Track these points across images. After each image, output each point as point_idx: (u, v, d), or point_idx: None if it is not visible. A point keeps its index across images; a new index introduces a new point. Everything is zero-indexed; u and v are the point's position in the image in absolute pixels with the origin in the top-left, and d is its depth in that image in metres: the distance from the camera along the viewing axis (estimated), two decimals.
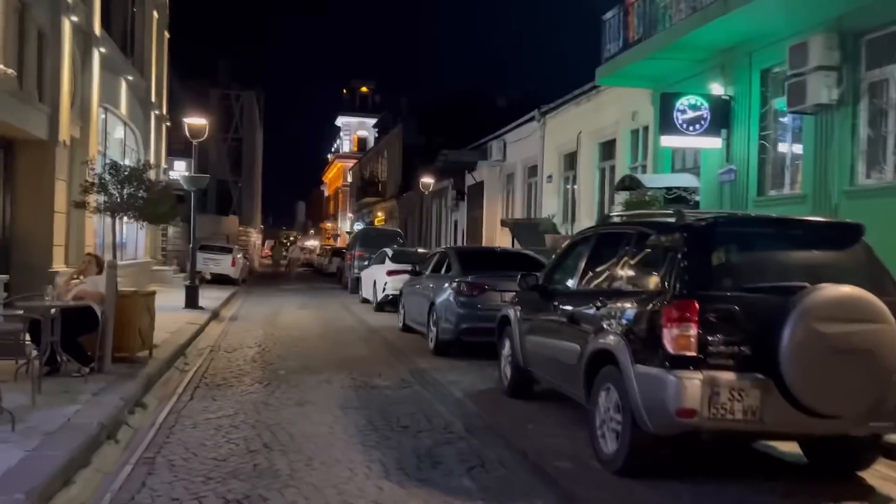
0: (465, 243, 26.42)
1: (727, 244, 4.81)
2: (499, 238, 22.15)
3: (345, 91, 72.89)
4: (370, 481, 4.56)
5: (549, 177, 19.04)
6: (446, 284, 10.13)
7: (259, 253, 54.07)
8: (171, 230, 23.53)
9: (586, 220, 16.03)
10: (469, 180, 26.62)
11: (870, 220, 5.13)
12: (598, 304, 5.27)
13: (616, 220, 6.72)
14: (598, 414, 5.05)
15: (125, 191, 10.21)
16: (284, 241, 63.89)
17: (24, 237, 12.10)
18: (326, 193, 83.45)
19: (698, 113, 10.99)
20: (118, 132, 18.18)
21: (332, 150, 78.51)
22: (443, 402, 6.96)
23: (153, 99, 20.63)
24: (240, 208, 53.22)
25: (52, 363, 6.75)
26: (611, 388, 4.88)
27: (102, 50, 14.74)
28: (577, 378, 5.37)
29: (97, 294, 7.12)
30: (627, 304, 4.92)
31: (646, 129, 13.85)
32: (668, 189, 12.09)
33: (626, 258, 5.30)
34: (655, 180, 12.53)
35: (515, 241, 18.61)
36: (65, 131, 12.68)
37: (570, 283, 6.19)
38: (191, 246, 15.87)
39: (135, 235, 18.91)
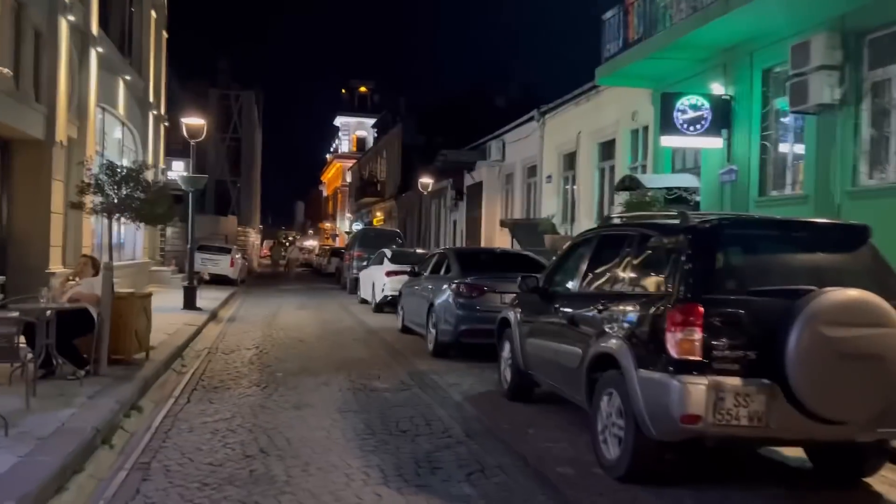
0: (463, 244, 26.36)
1: (732, 246, 4.74)
2: (498, 238, 22.08)
3: (343, 91, 72.83)
4: (368, 487, 4.48)
5: (549, 177, 18.98)
6: (445, 286, 10.06)
7: (258, 253, 53.98)
8: (169, 230, 23.46)
9: (586, 220, 15.97)
10: (468, 180, 26.55)
11: (872, 221, 5.05)
12: (600, 306, 5.20)
13: (617, 221, 6.63)
14: (599, 419, 4.97)
15: (122, 192, 10.12)
16: (283, 241, 63.75)
17: (21, 238, 12.03)
18: (325, 193, 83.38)
19: (699, 113, 10.92)
20: (116, 132, 18.11)
21: (331, 150, 78.41)
22: (442, 405, 6.88)
23: (151, 99, 20.55)
24: (238, 208, 53.16)
25: (47, 366, 6.68)
26: (613, 392, 4.80)
27: (100, 49, 14.67)
28: (579, 382, 5.30)
29: (93, 296, 7.05)
30: (630, 308, 4.85)
31: (646, 129, 13.78)
32: (669, 189, 12.02)
33: (628, 260, 5.22)
34: (655, 180, 12.46)
35: (514, 242, 18.55)
36: (62, 131, 12.60)
37: (572, 285, 6.11)
38: (189, 246, 15.79)
39: (133, 236, 18.84)
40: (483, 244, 23.36)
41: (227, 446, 5.30)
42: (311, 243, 67.18)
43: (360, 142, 67.89)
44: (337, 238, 61.96)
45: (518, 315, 7.01)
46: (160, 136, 21.93)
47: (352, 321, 14.53)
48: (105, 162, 12.21)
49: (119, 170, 10.54)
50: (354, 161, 60.63)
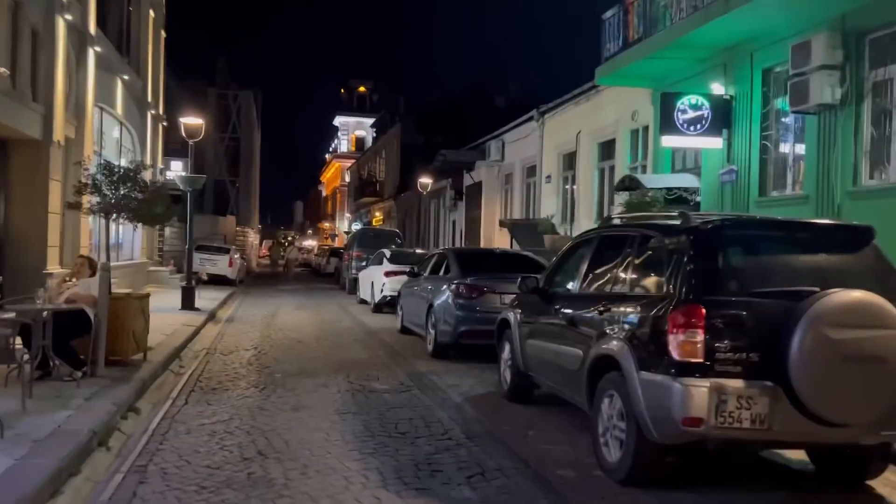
0: (463, 244, 26.32)
1: (734, 247, 4.70)
2: (497, 238, 22.04)
3: (342, 91, 72.84)
4: (367, 491, 4.44)
5: (548, 177, 18.94)
6: (445, 286, 10.02)
7: (257, 253, 53.91)
8: (167, 230, 23.40)
9: (585, 220, 15.93)
10: (467, 180, 26.51)
11: (873, 222, 5.01)
12: (601, 308, 5.16)
13: (618, 221, 6.58)
14: (600, 421, 4.93)
15: (119, 192, 10.06)
16: (282, 240, 63.70)
17: (18, 238, 11.98)
18: (324, 193, 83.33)
19: (699, 113, 10.89)
20: (114, 132, 18.05)
21: (330, 149, 78.37)
22: (441, 406, 6.84)
23: (149, 98, 20.50)
24: (237, 208, 53.10)
25: (44, 367, 6.63)
26: (614, 395, 4.76)
27: (98, 49, 14.61)
28: (579, 384, 5.26)
29: (89, 297, 7.00)
30: (631, 309, 4.80)
31: (646, 128, 13.75)
32: (669, 189, 11.98)
33: (629, 261, 5.18)
34: (655, 180, 12.43)
35: (514, 242, 18.50)
36: (59, 131, 12.55)
37: (572, 286, 6.07)
38: (187, 246, 15.74)
39: (131, 236, 18.79)
40: (482, 244, 23.32)
41: (225, 448, 5.26)
42: (309, 243, 67.11)
43: (359, 141, 67.87)
44: (336, 238, 61.91)
45: (518, 316, 6.97)
46: (158, 136, 21.88)
47: (351, 322, 14.48)
48: (102, 162, 12.15)
49: (116, 170, 10.47)
50: (353, 161, 60.59)
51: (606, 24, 12.65)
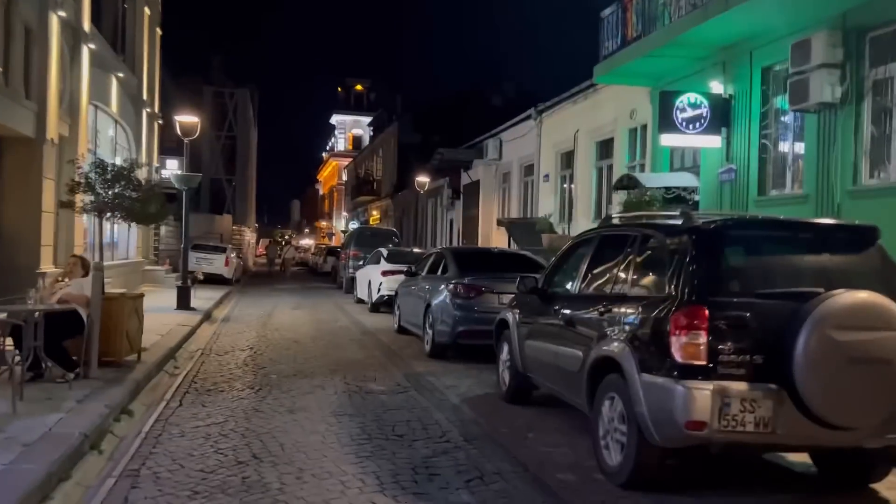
0: (460, 243, 26.24)
1: (737, 247, 4.63)
2: (495, 238, 21.98)
3: (339, 89, 72.75)
4: (364, 495, 4.36)
5: (546, 176, 18.87)
6: (442, 286, 9.94)
7: (253, 252, 53.73)
8: (163, 229, 23.26)
9: (583, 219, 15.88)
10: (465, 179, 26.43)
11: (873, 221, 4.96)
12: (602, 308, 5.08)
13: (618, 220, 6.50)
14: (601, 424, 4.85)
15: (113, 190, 9.95)
16: (279, 239, 63.54)
17: (11, 237, 11.86)
18: (321, 192, 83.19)
19: (698, 111, 10.83)
20: (109, 130, 17.93)
21: (327, 148, 78.28)
22: (439, 408, 6.76)
23: (145, 96, 20.37)
24: (233, 207, 52.85)
25: (36, 369, 6.53)
26: (615, 397, 4.68)
27: (92, 46, 14.49)
28: (580, 386, 5.18)
29: (82, 297, 6.90)
30: (632, 310, 4.72)
31: (644, 127, 13.69)
32: (667, 188, 11.93)
33: (630, 261, 5.10)
34: (654, 179, 12.37)
35: (511, 241, 18.43)
36: (52, 129, 12.44)
37: (571, 286, 5.99)
38: (183, 245, 15.63)
39: (126, 235, 18.67)
40: (480, 243, 23.25)
41: (220, 452, 5.17)
42: (306, 242, 66.96)
43: (357, 140, 67.77)
44: (333, 237, 61.80)
45: (516, 316, 6.89)
46: (154, 134, 21.76)
47: (347, 321, 14.40)
48: (95, 160, 12.04)
49: (110, 168, 10.35)
50: (350, 159, 60.48)
51: (605, 21, 12.58)
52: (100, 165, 10.27)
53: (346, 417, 6.28)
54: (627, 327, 4.70)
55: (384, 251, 17.49)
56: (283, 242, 56.89)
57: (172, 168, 25.46)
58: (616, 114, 14.81)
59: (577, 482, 4.73)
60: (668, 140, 11.39)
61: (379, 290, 15.67)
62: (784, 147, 10.24)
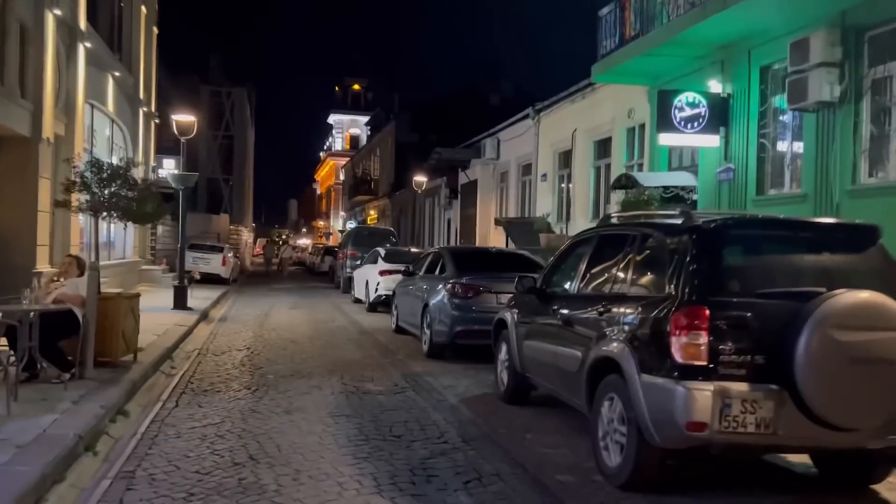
0: (458, 242, 26.21)
1: (738, 247, 4.60)
2: (492, 237, 21.94)
3: (337, 88, 72.66)
4: (361, 497, 4.32)
5: (544, 175, 18.84)
6: (440, 285, 9.91)
7: (250, 252, 53.65)
8: (160, 229, 23.18)
9: (581, 219, 15.85)
10: (462, 178, 26.39)
11: (872, 220, 4.93)
12: (601, 308, 5.04)
13: (617, 220, 6.47)
14: (600, 425, 4.82)
15: (108, 189, 9.87)
16: (276, 239, 63.46)
17: (7, 237, 11.78)
18: (318, 191, 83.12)
19: (696, 110, 10.81)
20: (105, 129, 17.84)
21: (325, 147, 78.20)
22: (437, 408, 6.72)
23: (141, 95, 20.28)
24: (231, 206, 52.78)
25: (31, 369, 6.49)
26: (615, 398, 4.65)
27: (88, 45, 14.41)
28: (579, 386, 5.14)
29: (77, 297, 6.85)
30: (632, 310, 4.69)
31: (642, 126, 13.66)
32: (666, 188, 11.91)
33: (629, 261, 5.06)
34: (652, 179, 12.34)
35: (509, 241, 18.40)
36: (48, 128, 12.37)
37: (570, 286, 5.96)
38: (180, 245, 15.57)
39: (123, 234, 18.59)
40: (478, 243, 23.21)
41: (216, 453, 5.13)
42: (304, 242, 66.87)
43: (354, 139, 67.69)
44: (330, 236, 61.72)
45: (515, 316, 6.85)
46: (150, 134, 21.66)
47: (345, 321, 14.35)
48: (91, 159, 11.99)
49: (105, 167, 10.29)
50: (348, 159, 60.40)
51: (603, 20, 12.55)
52: (96, 164, 10.18)
53: (344, 418, 6.24)
54: (627, 327, 4.66)
55: (382, 251, 17.45)
56: (281, 242, 56.74)
57: (169, 167, 25.40)
58: (614, 113, 14.78)
59: (576, 483, 4.69)
60: (666, 139, 11.37)
61: (376, 289, 15.63)
62: (782, 146, 10.22)
